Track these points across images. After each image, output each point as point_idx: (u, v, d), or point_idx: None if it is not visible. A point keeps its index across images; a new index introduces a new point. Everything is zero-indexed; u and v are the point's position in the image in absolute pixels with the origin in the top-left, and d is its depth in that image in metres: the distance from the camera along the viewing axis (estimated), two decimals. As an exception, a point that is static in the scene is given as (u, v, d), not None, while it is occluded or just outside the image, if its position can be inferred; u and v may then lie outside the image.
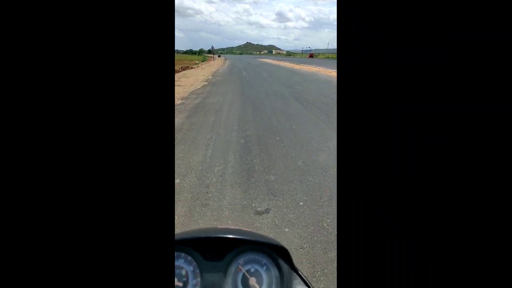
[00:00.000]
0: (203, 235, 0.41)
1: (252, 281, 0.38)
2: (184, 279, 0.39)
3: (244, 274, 0.39)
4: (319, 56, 75.12)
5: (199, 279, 0.38)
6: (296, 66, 18.95)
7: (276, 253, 0.40)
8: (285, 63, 27.04)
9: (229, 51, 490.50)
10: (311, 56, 66.72)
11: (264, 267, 0.39)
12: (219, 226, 0.44)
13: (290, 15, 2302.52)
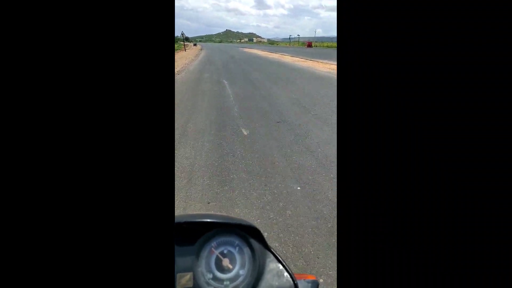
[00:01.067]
0: (175, 221, 0.41)
1: (226, 262, 0.39)
2: None
3: (217, 256, 0.40)
4: (319, 46, 65.67)
5: (174, 264, 0.38)
6: (309, 63, 12.17)
7: (248, 233, 0.40)
8: (281, 55, 19.59)
9: (208, 38, 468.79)
10: (310, 45, 55.97)
11: (237, 248, 0.40)
12: (190, 213, 0.40)
13: (269, 2, 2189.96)
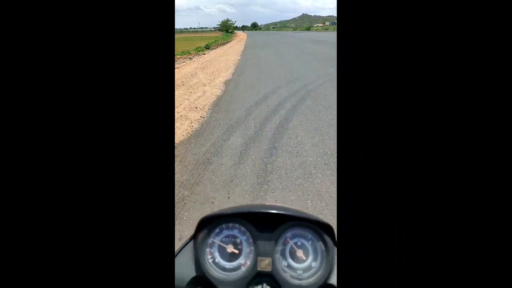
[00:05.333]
0: (255, 210, 0.45)
1: (300, 253, 0.42)
2: (239, 246, 0.44)
3: (291, 246, 0.43)
4: None
5: (252, 247, 0.43)
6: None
7: (321, 229, 0.43)
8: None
9: (282, 25, 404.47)
10: None
11: (310, 242, 0.43)
12: (266, 203, 0.44)
13: None
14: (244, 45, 16.55)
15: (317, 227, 0.43)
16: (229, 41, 21.49)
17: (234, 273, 0.42)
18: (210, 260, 0.43)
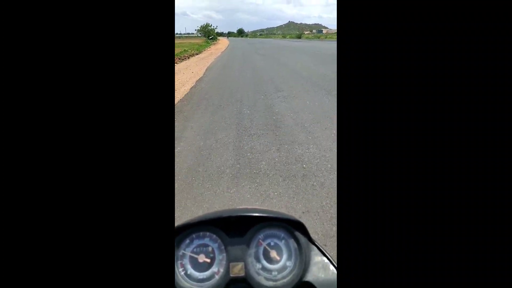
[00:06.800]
0: (225, 215, 0.45)
1: (273, 253, 0.43)
2: (211, 255, 0.44)
3: (265, 247, 0.43)
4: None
5: (224, 254, 0.43)
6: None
7: (293, 227, 0.44)
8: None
9: (269, 32, 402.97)
10: None
11: (283, 241, 0.44)
12: (237, 207, 0.48)
13: None
14: (206, 67, 9.11)
15: (288, 225, 0.43)
16: (201, 52, 16.38)
17: (208, 283, 0.41)
18: (182, 273, 0.42)
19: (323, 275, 0.41)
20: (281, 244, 0.43)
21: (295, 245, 0.43)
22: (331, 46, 20.90)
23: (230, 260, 0.42)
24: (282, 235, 0.44)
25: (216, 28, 48.16)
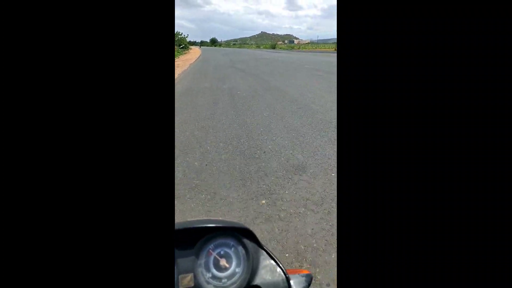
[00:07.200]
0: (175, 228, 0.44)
1: (223, 261, 0.43)
2: None
3: (215, 256, 0.44)
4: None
5: (174, 266, 0.42)
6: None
7: (241, 235, 0.45)
8: None
9: (243, 42, 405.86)
10: None
11: (232, 248, 0.44)
12: (188, 219, 0.48)
13: (301, 2, 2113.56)
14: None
15: (237, 233, 0.44)
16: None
17: None
18: None
19: (270, 277, 0.43)
20: (231, 252, 0.44)
21: (244, 251, 0.44)
22: (322, 60, 17.55)
23: (180, 272, 0.41)
24: (232, 243, 0.44)
25: (187, 36, 43.62)
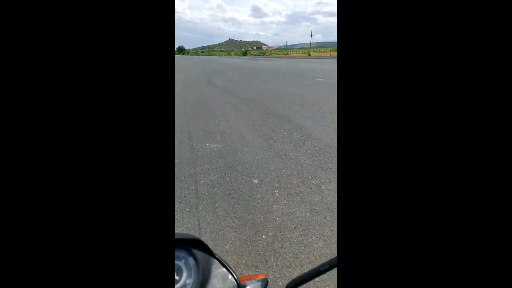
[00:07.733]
0: None
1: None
2: None
3: None
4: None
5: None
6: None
7: (191, 246, 0.44)
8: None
9: (211, 49, 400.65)
10: None
11: (183, 260, 0.44)
12: None
13: (266, 9, 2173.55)
14: None
15: (187, 245, 0.44)
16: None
17: None
18: None
19: (221, 285, 0.43)
20: (181, 264, 0.43)
21: (193, 262, 0.44)
22: (321, 68, 14.45)
23: None
24: (182, 255, 0.44)
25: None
